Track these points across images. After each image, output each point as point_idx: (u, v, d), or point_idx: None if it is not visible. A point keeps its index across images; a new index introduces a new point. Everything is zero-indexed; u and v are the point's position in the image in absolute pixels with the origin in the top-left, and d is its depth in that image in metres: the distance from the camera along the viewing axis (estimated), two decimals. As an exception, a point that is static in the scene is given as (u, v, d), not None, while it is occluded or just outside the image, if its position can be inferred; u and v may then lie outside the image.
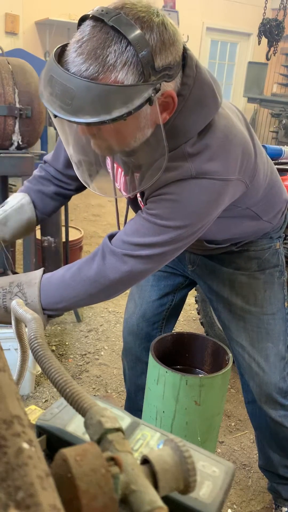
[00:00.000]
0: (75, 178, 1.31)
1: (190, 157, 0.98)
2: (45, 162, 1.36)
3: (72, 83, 0.81)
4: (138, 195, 1.17)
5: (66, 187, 1.33)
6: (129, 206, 1.25)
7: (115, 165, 1.15)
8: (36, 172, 1.35)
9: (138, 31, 0.81)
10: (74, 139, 0.99)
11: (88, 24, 0.84)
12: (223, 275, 1.40)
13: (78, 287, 1.05)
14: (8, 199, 1.28)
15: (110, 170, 1.17)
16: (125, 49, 0.81)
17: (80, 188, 1.35)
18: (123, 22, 0.81)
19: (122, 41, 0.81)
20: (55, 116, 0.85)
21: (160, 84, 0.85)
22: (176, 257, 1.47)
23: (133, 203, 1.22)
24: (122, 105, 0.81)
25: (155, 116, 0.90)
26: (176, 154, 0.98)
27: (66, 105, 0.82)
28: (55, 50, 0.87)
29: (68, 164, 1.28)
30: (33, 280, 1.07)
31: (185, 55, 0.93)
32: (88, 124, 0.82)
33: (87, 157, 1.04)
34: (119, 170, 1.15)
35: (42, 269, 1.11)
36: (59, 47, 0.88)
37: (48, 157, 1.35)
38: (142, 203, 1.15)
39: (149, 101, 0.83)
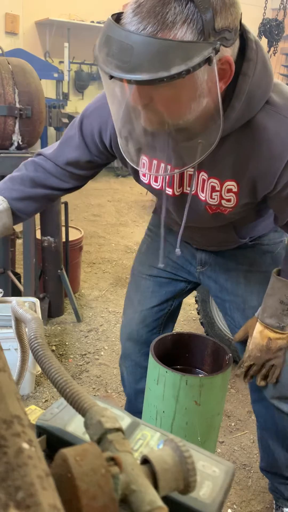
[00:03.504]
0: (74, 177, 1.30)
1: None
2: (38, 154, 1.31)
3: (130, 40, 0.77)
4: (189, 188, 1.13)
5: (60, 186, 1.31)
6: (167, 209, 1.20)
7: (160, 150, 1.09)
8: (26, 170, 1.30)
9: None
10: (126, 109, 0.95)
11: None
12: (238, 273, 1.40)
13: None
14: None
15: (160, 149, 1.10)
16: (186, 6, 0.78)
17: (74, 188, 1.34)
18: None
19: None
20: (111, 78, 0.81)
21: (220, 46, 0.80)
22: (184, 260, 1.48)
23: (179, 201, 1.18)
24: (181, 62, 0.76)
25: (212, 84, 0.85)
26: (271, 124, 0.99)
27: (123, 63, 0.78)
28: (111, 15, 0.84)
29: (71, 162, 1.26)
30: None
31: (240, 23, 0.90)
32: (144, 82, 0.78)
33: (136, 132, 0.99)
34: (162, 165, 1.10)
35: None
36: (116, 13, 0.85)
37: (46, 151, 1.30)
38: (200, 196, 1.12)
39: (209, 61, 0.79)
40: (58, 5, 6.60)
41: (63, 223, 2.75)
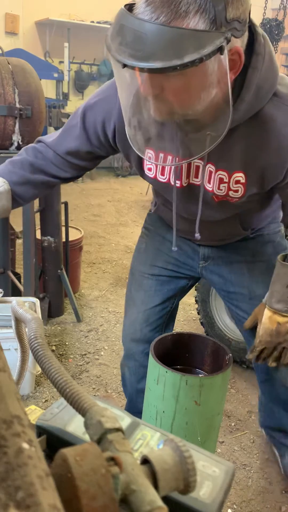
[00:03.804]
0: (73, 166, 1.30)
1: None
2: (39, 141, 1.31)
3: (144, 29, 0.78)
4: (196, 179, 1.15)
5: (58, 175, 1.31)
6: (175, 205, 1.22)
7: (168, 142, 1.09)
8: (26, 155, 1.30)
9: None
10: (136, 99, 0.95)
11: None
12: (241, 265, 1.44)
13: None
14: None
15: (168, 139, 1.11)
16: None
17: (72, 177, 1.34)
18: None
19: None
20: (124, 66, 0.82)
21: (231, 36, 0.82)
22: (186, 257, 1.50)
23: (185, 193, 1.19)
24: (194, 51, 0.78)
25: (222, 74, 0.86)
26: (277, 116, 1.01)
27: (136, 51, 0.79)
28: (124, 5, 0.85)
29: (71, 152, 1.26)
30: None
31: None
32: (158, 70, 0.79)
33: (145, 122, 1.00)
34: (169, 157, 1.11)
35: None
36: (127, 4, 0.86)
37: (47, 139, 1.30)
38: (207, 186, 1.13)
39: (220, 50, 0.80)
40: (58, 5, 6.60)
41: (63, 223, 2.75)
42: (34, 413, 0.71)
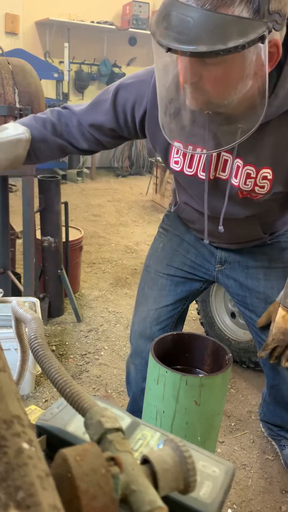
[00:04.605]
0: (92, 139, 1.31)
1: None
2: (65, 107, 1.32)
3: (190, 14, 0.81)
4: (222, 173, 1.16)
5: (76, 144, 1.32)
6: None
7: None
8: (51, 115, 1.30)
9: None
10: (174, 87, 0.97)
11: None
12: (258, 270, 1.45)
13: None
14: (9, 126, 1.22)
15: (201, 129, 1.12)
16: None
17: (88, 151, 1.35)
18: None
19: None
20: (168, 50, 0.84)
21: (272, 26, 0.83)
22: (202, 259, 1.52)
23: (211, 187, 1.19)
24: (238, 37, 0.80)
25: (260, 65, 0.88)
26: None
27: (181, 35, 0.81)
28: None
29: (96, 125, 1.27)
30: None
31: None
32: (201, 54, 0.81)
33: (179, 112, 1.02)
34: (198, 149, 1.12)
35: None
36: None
37: (74, 107, 1.31)
38: (233, 181, 1.14)
39: (262, 39, 0.82)
40: (58, 5, 6.59)
41: (63, 223, 2.75)
42: (34, 413, 0.71)
